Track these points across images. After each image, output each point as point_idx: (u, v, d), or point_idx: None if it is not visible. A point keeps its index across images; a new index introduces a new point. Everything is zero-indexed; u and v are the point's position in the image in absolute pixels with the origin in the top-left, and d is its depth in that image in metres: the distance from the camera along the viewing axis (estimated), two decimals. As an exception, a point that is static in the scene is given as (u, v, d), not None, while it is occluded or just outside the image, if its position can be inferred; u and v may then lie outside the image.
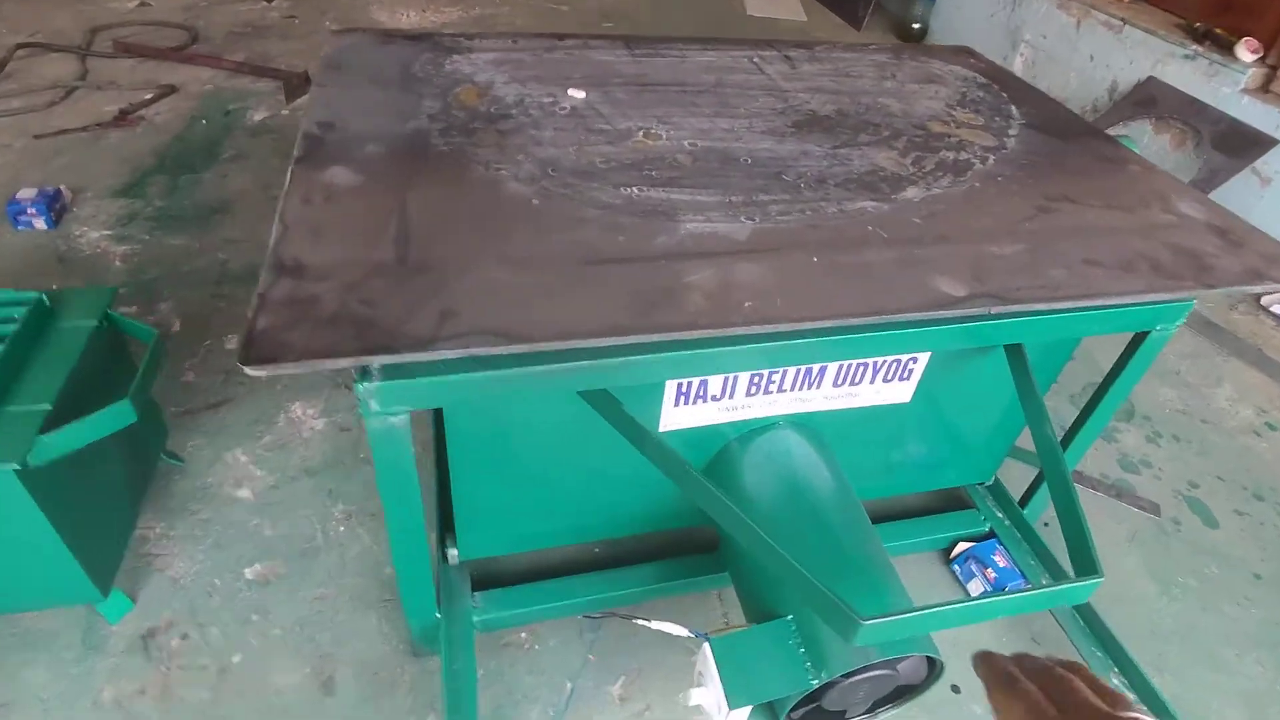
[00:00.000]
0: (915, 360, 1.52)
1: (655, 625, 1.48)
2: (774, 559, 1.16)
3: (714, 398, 1.46)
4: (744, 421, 1.55)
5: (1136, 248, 1.40)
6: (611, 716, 1.68)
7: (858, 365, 1.49)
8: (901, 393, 1.58)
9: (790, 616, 1.33)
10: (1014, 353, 1.51)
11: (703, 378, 1.39)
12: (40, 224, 2.79)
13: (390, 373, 1.11)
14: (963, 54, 2.24)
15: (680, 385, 1.40)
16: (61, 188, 2.90)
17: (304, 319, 1.02)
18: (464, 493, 1.54)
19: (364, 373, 1.11)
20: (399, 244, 1.17)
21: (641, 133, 1.56)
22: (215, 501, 2.02)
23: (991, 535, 2.02)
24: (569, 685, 1.73)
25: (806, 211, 1.38)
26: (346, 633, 1.78)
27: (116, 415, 1.49)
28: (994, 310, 1.21)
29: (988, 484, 2.09)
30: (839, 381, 1.50)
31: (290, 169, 1.32)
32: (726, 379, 1.42)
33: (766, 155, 1.54)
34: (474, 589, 1.77)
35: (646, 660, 1.78)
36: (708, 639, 1.33)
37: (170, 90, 3.77)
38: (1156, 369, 2.83)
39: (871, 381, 1.54)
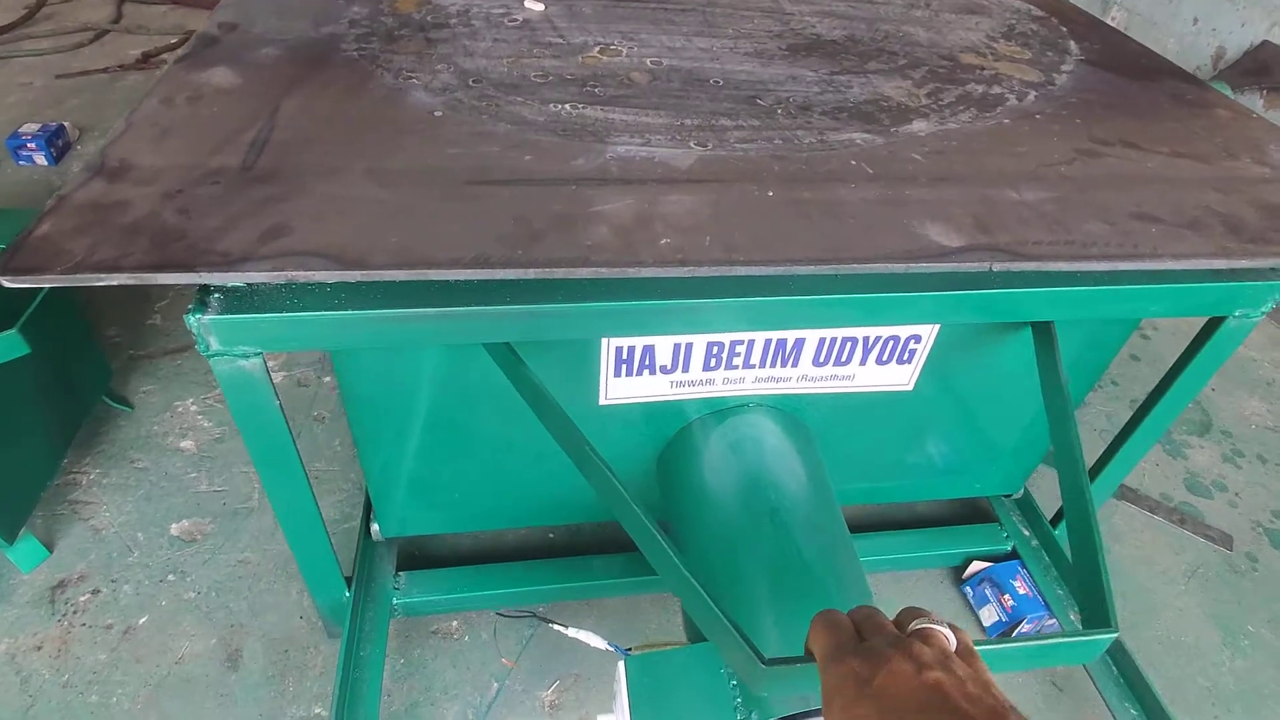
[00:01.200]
0: (917, 338, 1.23)
1: (572, 633, 1.26)
2: (674, 574, 0.92)
3: (664, 369, 1.20)
4: (710, 399, 1.30)
5: (1209, 203, 1.08)
6: (537, 726, 1.48)
7: (844, 340, 1.21)
8: (900, 377, 1.30)
9: (722, 638, 1.08)
10: (1041, 335, 1.21)
11: (645, 341, 1.15)
12: (40, 159, 2.74)
13: (232, 304, 0.91)
14: (1020, -15, 1.89)
15: (619, 349, 1.16)
16: (65, 124, 2.85)
17: (98, 226, 0.83)
18: (374, 461, 1.34)
19: (199, 301, 0.91)
20: (252, 151, 0.97)
21: (598, 48, 1.32)
22: (155, 451, 1.89)
23: (1014, 555, 1.71)
24: (495, 685, 1.52)
25: (776, 140, 1.11)
26: (263, 603, 1.62)
27: (2, 346, 1.35)
28: (995, 267, 0.92)
29: (1015, 496, 1.78)
30: (820, 359, 1.23)
31: (165, 68, 1.13)
32: (678, 345, 1.16)
33: (744, 78, 1.27)
34: (403, 567, 1.59)
35: (588, 666, 1.56)
36: (625, 655, 1.10)
37: (198, 35, 3.71)
38: (1243, 374, 2.41)
39: (862, 361, 1.25)
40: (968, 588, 1.71)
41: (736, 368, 1.22)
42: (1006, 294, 0.99)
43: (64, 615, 1.57)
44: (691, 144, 1.08)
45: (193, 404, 2.01)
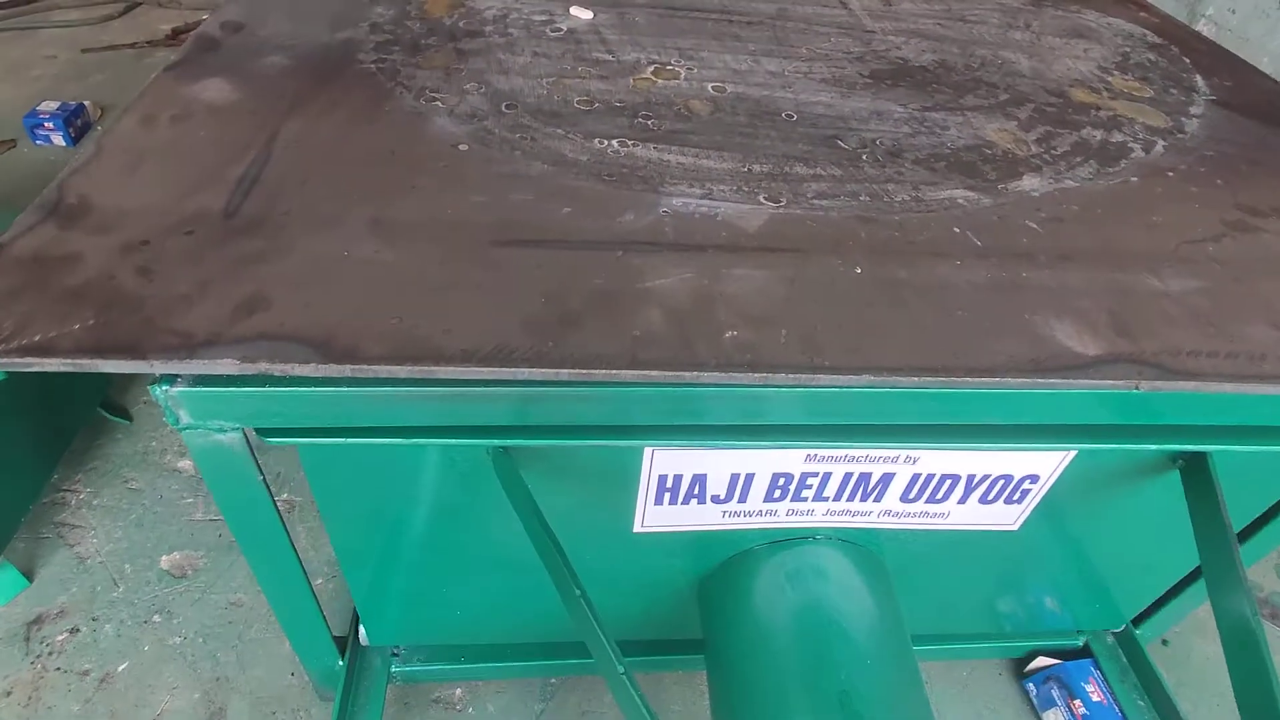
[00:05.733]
0: (1034, 479, 0.97)
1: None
2: None
3: (716, 498, 0.98)
4: (769, 530, 1.06)
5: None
6: (544, 820, 1.33)
7: (941, 477, 0.96)
8: (1004, 517, 1.05)
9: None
10: (1193, 469, 0.96)
11: (695, 470, 0.93)
12: (58, 140, 2.62)
13: (206, 376, 0.75)
14: (1128, 3, 1.67)
15: (662, 477, 0.93)
16: (86, 104, 2.73)
17: (38, 288, 0.68)
18: (357, 571, 1.13)
19: (166, 373, 0.76)
20: (238, 191, 0.81)
21: (652, 68, 1.14)
22: (151, 470, 1.77)
23: (1086, 653, 1.52)
24: (499, 768, 1.38)
25: (862, 196, 0.93)
26: (252, 655, 1.48)
27: (-27, 372, 1.22)
28: (1142, 387, 0.73)
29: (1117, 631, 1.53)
30: (910, 495, 0.99)
31: (152, 77, 0.98)
32: (735, 476, 0.95)
33: (821, 111, 1.09)
34: (404, 629, 1.44)
35: (603, 750, 1.40)
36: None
37: (230, 13, 3.57)
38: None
39: (962, 500, 1.00)
40: (1031, 684, 1.52)
41: (806, 500, 0.99)
42: (1156, 425, 0.79)
43: (38, 656, 1.45)
44: (761, 197, 0.90)
45: (194, 419, 1.88)
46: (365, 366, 0.64)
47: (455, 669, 1.41)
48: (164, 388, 0.75)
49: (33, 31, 3.30)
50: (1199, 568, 1.37)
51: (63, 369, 0.62)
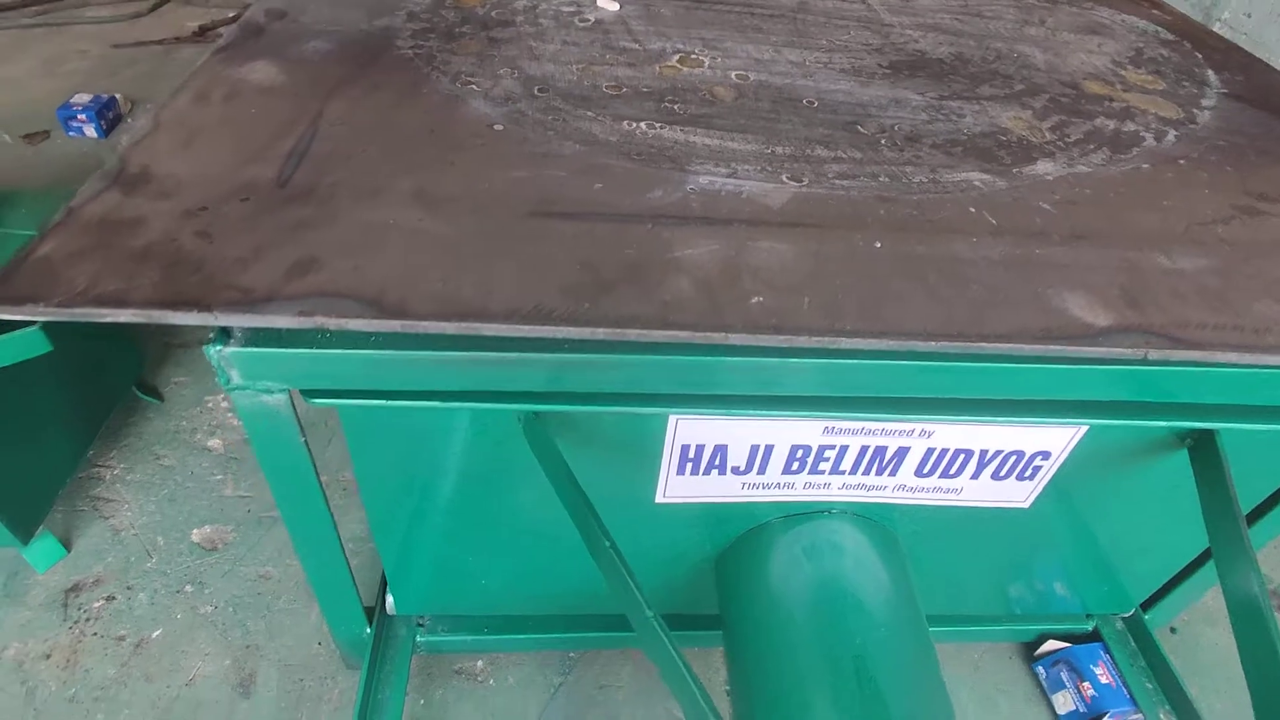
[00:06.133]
0: (1045, 455, 1.00)
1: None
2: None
3: (736, 469, 1.02)
4: (786, 503, 1.10)
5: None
6: (561, 788, 1.37)
7: (955, 452, 1.00)
8: (1016, 494, 1.08)
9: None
10: (1201, 447, 0.99)
11: (717, 440, 0.96)
12: (90, 131, 2.69)
13: (258, 336, 0.80)
14: (1142, 1, 1.70)
15: (685, 447, 0.97)
16: (117, 96, 2.80)
17: (106, 249, 0.73)
18: (388, 538, 1.17)
19: (221, 331, 0.80)
20: (289, 163, 0.85)
21: (677, 56, 1.18)
22: (183, 448, 1.82)
23: (1095, 637, 1.54)
24: (519, 737, 1.42)
25: (881, 177, 0.96)
26: (281, 625, 1.53)
27: (22, 343, 1.27)
28: (1150, 355, 0.77)
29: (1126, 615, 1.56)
30: (925, 470, 1.03)
31: (202, 60, 1.02)
32: (755, 447, 0.98)
33: (841, 99, 1.13)
34: (429, 601, 1.48)
35: (620, 721, 1.44)
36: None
37: (256, 10, 3.65)
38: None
39: (974, 475, 1.04)
40: (1040, 668, 1.55)
41: (823, 473, 1.03)
42: (1164, 399, 0.82)
43: (76, 622, 1.50)
44: (784, 177, 0.94)
45: (224, 399, 1.94)
46: (414, 322, 0.69)
47: (478, 640, 1.45)
48: (218, 348, 0.79)
49: (65, 28, 3.39)
50: (1206, 552, 1.40)
51: (135, 319, 0.66)
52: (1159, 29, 1.56)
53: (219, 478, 1.78)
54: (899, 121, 1.09)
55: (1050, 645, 1.55)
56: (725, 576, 1.20)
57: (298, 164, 0.85)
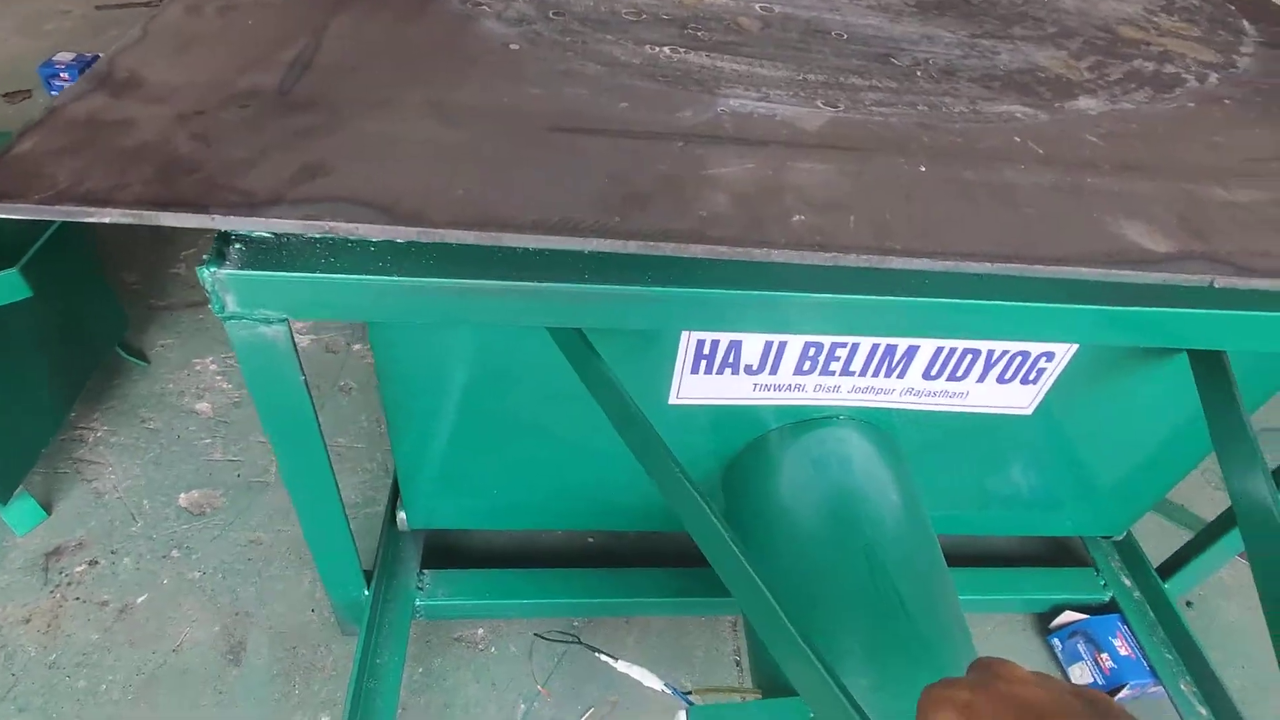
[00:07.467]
0: (1049, 356, 1.02)
1: (623, 667, 1.09)
2: (759, 609, 0.74)
3: (749, 368, 1.02)
4: (790, 407, 1.11)
5: None
6: (566, 758, 1.32)
7: (964, 352, 1.01)
8: (1019, 399, 1.10)
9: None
10: (1208, 362, 0.98)
11: (732, 335, 0.96)
12: (73, 91, 2.59)
13: (256, 257, 0.73)
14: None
15: (701, 342, 0.97)
16: (101, 56, 2.69)
17: (92, 146, 0.66)
18: (406, 443, 1.18)
19: (216, 252, 0.74)
20: (291, 73, 0.79)
21: (699, -13, 1.12)
22: (169, 411, 1.75)
23: (1113, 608, 1.50)
24: (522, 707, 1.36)
25: (920, 106, 0.91)
26: (273, 590, 1.47)
27: (2, 286, 1.20)
28: (1218, 283, 0.72)
29: (1116, 539, 1.57)
30: (933, 372, 1.03)
31: (196, -29, 0.96)
32: (769, 344, 0.98)
33: (871, 33, 1.07)
34: (426, 565, 1.43)
35: (625, 693, 1.39)
36: (688, 704, 0.93)
37: (246, -26, 3.54)
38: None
39: (980, 378, 1.05)
40: (1056, 639, 1.51)
41: (833, 374, 1.02)
42: (1218, 315, 0.78)
43: (57, 586, 1.43)
44: (819, 103, 0.88)
45: (212, 363, 1.86)
46: (432, 230, 0.63)
47: (478, 605, 1.40)
48: (211, 270, 0.73)
49: (47, -13, 3.27)
50: (1225, 521, 1.37)
51: (123, 219, 0.60)
52: (1188, -17, 1.51)
53: (207, 441, 1.71)
54: (933, 55, 1.04)
55: (1066, 617, 1.52)
56: (733, 485, 1.20)
57: (301, 74, 0.79)
